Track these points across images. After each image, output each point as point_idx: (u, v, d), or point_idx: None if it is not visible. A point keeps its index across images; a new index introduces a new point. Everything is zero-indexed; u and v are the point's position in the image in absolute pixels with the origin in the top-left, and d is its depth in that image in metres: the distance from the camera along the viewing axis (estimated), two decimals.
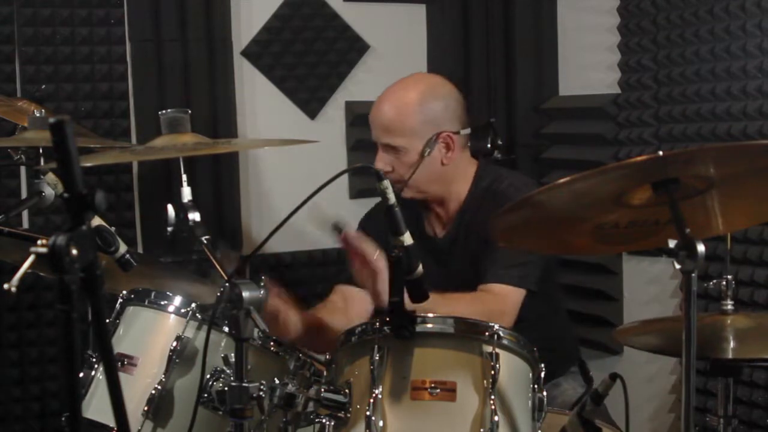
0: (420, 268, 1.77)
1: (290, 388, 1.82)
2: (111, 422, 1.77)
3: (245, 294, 1.75)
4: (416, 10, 3.65)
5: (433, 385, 1.73)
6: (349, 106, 3.53)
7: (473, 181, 2.57)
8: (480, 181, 2.56)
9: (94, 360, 2.07)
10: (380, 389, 1.73)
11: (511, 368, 1.79)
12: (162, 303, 2.05)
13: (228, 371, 1.89)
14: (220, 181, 3.32)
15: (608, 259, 3.46)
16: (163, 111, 2.30)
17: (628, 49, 3.33)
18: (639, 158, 1.66)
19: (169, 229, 2.14)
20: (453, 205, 2.58)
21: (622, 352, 3.46)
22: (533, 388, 1.83)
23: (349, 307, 2.49)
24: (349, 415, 1.78)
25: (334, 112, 3.53)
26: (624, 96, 3.35)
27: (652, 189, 1.69)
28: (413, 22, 3.64)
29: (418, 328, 1.76)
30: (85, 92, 3.14)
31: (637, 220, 1.83)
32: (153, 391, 1.93)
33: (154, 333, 2.05)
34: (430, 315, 1.78)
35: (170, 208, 2.15)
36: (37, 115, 2.31)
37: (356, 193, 3.51)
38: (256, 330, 1.84)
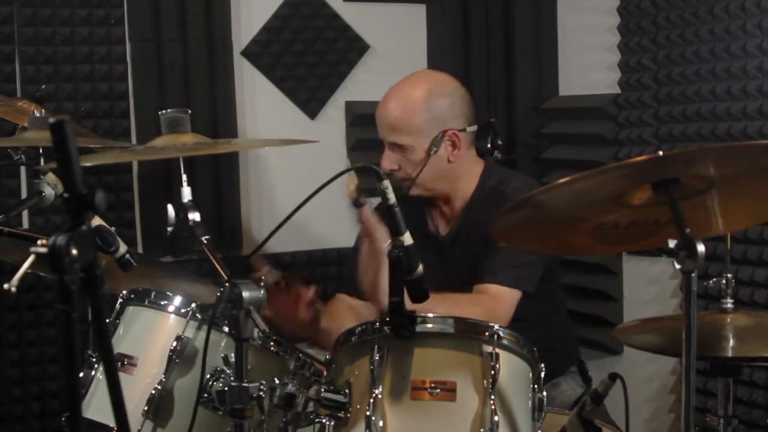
0: (420, 268, 1.77)
1: (290, 388, 1.82)
2: (111, 422, 1.77)
3: (245, 294, 1.76)
4: (416, 10, 3.65)
5: (433, 385, 1.73)
6: (349, 106, 3.53)
7: (480, 180, 2.57)
8: (486, 181, 2.57)
9: (94, 360, 2.07)
10: (380, 389, 1.73)
11: (511, 368, 1.78)
12: (162, 303, 2.05)
13: (228, 371, 1.89)
14: (220, 181, 3.32)
15: (608, 259, 3.46)
16: (163, 111, 2.29)
17: (628, 49, 3.32)
18: (639, 158, 1.66)
19: (169, 229, 2.14)
20: (458, 203, 2.58)
21: (622, 352, 3.46)
22: (533, 388, 1.82)
23: (349, 315, 2.49)
24: (349, 415, 1.78)
25: (334, 112, 3.53)
26: (624, 96, 3.35)
27: (652, 189, 1.68)
28: (413, 22, 3.64)
29: (418, 328, 1.76)
30: (85, 92, 3.14)
31: (637, 220, 1.83)
32: (153, 391, 1.93)
33: (154, 333, 2.05)
34: (430, 315, 1.78)
35: (170, 208, 2.15)
36: (37, 115, 2.31)
37: None
38: (256, 330, 1.84)
